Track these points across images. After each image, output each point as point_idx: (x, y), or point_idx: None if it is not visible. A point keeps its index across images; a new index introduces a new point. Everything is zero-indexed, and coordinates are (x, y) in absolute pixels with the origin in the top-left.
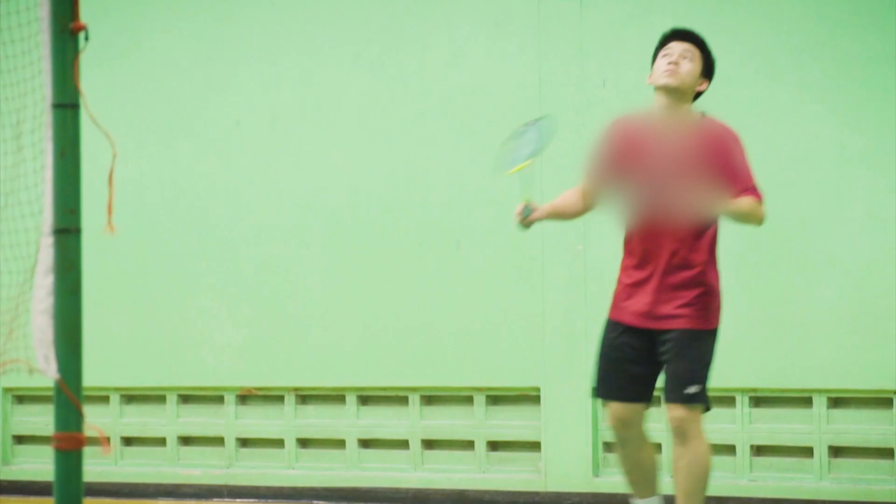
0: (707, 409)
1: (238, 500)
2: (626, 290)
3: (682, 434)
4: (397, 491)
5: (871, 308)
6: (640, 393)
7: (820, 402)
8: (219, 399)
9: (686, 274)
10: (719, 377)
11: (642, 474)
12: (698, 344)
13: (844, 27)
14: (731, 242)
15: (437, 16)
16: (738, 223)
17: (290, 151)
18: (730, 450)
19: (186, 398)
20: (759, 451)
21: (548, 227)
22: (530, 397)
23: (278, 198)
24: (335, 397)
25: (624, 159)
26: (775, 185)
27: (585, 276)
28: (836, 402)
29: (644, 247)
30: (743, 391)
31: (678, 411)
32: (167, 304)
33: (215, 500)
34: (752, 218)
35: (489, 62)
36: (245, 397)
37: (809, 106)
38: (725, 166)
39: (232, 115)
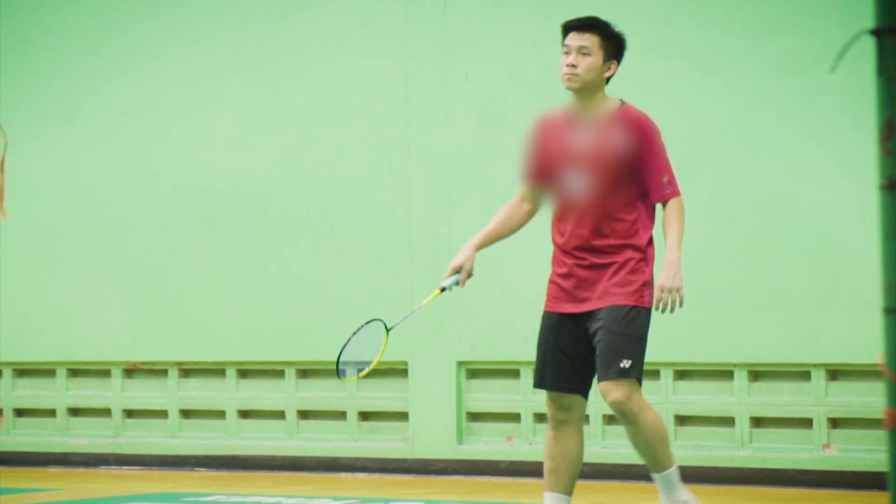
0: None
1: (124, 467)
2: (558, 280)
3: (625, 414)
4: (274, 459)
5: (713, 288)
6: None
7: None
8: (106, 373)
9: (614, 257)
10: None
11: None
12: (628, 320)
13: (688, 29)
14: None
15: (310, 15)
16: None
17: (173, 141)
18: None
19: (75, 372)
20: (610, 420)
21: (414, 211)
22: (398, 370)
23: (162, 184)
24: (216, 371)
25: (549, 155)
26: None
27: (450, 257)
28: (681, 374)
29: (572, 234)
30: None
31: (614, 391)
32: (58, 283)
33: (103, 467)
34: (683, 226)
35: (359, 59)
36: (131, 371)
37: (657, 101)
38: (645, 154)
39: (118, 106)
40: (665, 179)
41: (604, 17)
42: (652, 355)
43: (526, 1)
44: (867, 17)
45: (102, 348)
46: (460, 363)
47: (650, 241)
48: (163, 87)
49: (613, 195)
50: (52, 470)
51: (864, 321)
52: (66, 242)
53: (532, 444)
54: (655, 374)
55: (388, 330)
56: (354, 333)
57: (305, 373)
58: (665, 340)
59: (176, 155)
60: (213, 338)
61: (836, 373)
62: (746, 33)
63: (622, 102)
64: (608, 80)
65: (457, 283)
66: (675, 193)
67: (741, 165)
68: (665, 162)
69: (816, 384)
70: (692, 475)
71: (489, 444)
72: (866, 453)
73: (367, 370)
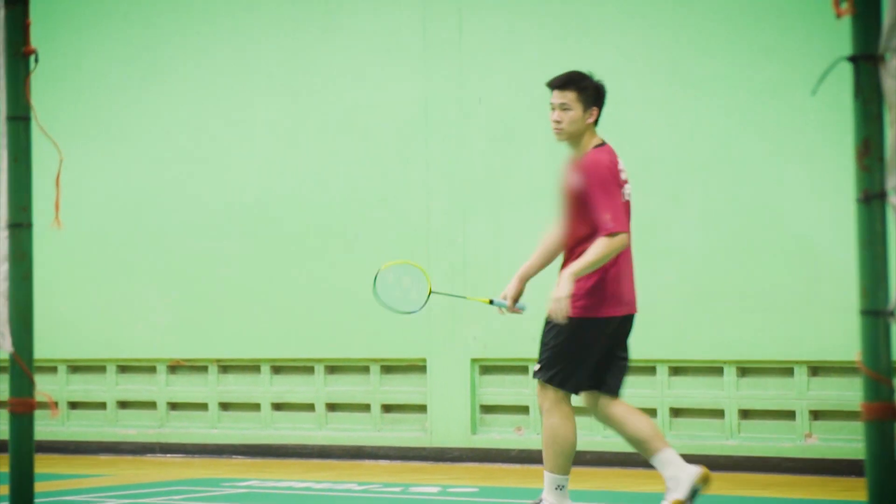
0: (558, 385)
1: (168, 455)
2: None
3: (540, 408)
4: (304, 447)
5: (704, 291)
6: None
7: (662, 371)
8: (152, 369)
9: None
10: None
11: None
12: (550, 330)
13: (683, 53)
14: None
15: (337, 42)
16: (599, 265)
17: (213, 158)
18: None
19: (124, 368)
20: None
21: (432, 221)
22: (418, 367)
23: (202, 197)
24: (252, 367)
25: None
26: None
27: (465, 263)
28: (675, 370)
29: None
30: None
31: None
32: (108, 287)
33: (148, 455)
34: (604, 258)
35: (382, 82)
36: (174, 367)
37: (652, 120)
38: (587, 194)
39: (162, 126)
40: (606, 216)
41: (602, 45)
42: (648, 353)
43: (534, 30)
44: (846, 46)
45: (148, 346)
46: (474, 360)
47: (608, 267)
48: (202, 108)
49: (575, 229)
50: (103, 457)
51: (842, 322)
52: (115, 251)
53: (539, 433)
54: (651, 371)
55: (430, 293)
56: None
57: (333, 369)
58: (660, 339)
59: (214, 170)
60: (249, 337)
61: (817, 369)
62: (736, 59)
63: (596, 146)
64: (596, 122)
65: (504, 306)
66: (607, 230)
67: (730, 179)
68: (600, 200)
69: (799, 380)
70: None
71: (501, 434)
72: (845, 443)
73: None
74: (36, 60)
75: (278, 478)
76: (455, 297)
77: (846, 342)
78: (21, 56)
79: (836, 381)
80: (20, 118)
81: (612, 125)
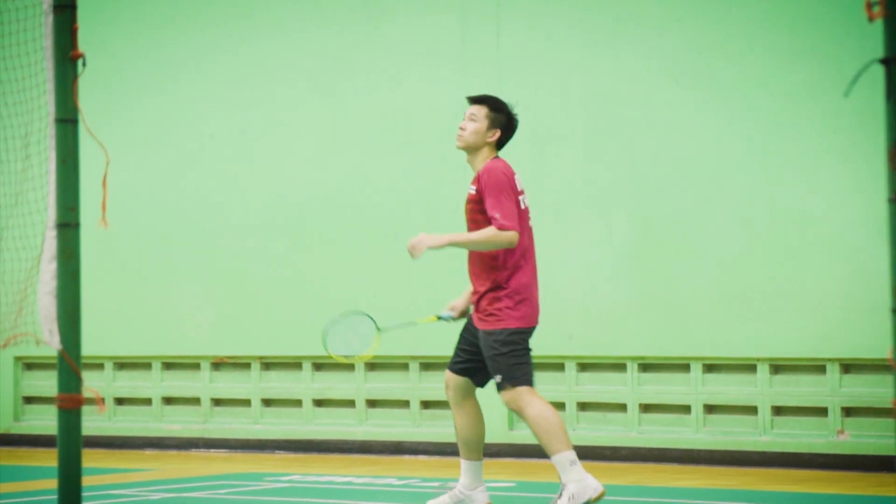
0: (526, 383)
1: (212, 450)
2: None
3: (518, 412)
4: (345, 443)
5: (739, 290)
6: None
7: (696, 368)
8: (196, 366)
9: (481, 288)
10: (614, 347)
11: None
12: (494, 345)
13: (718, 57)
14: (627, 237)
15: (378, 47)
16: (478, 248)
17: (256, 160)
18: (622, 408)
19: (169, 365)
20: (646, 408)
21: None
22: None
23: (246, 198)
24: (293, 364)
25: None
26: (661, 188)
27: None
28: (710, 367)
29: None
30: (633, 359)
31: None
32: (153, 286)
33: (193, 450)
34: (486, 244)
35: (422, 85)
36: (218, 364)
37: (688, 122)
38: (483, 199)
39: (207, 129)
40: (497, 214)
41: (638, 49)
42: (683, 350)
43: (571, 34)
44: (878, 48)
45: (193, 344)
46: None
47: (510, 277)
48: (246, 111)
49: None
50: (148, 452)
51: (874, 320)
52: (160, 250)
53: (575, 429)
54: (686, 368)
55: (378, 330)
56: (344, 317)
57: (374, 366)
58: (694, 337)
59: (258, 172)
60: (291, 335)
61: (849, 367)
62: (770, 62)
63: (495, 158)
64: (498, 144)
65: (450, 318)
66: (497, 224)
67: (764, 180)
68: (493, 202)
69: (831, 377)
70: (720, 458)
71: None
72: (876, 439)
73: (354, 357)
74: (83, 64)
75: (319, 472)
76: (404, 327)
77: (878, 340)
78: (69, 60)
79: (868, 379)
80: (68, 121)
81: (648, 127)
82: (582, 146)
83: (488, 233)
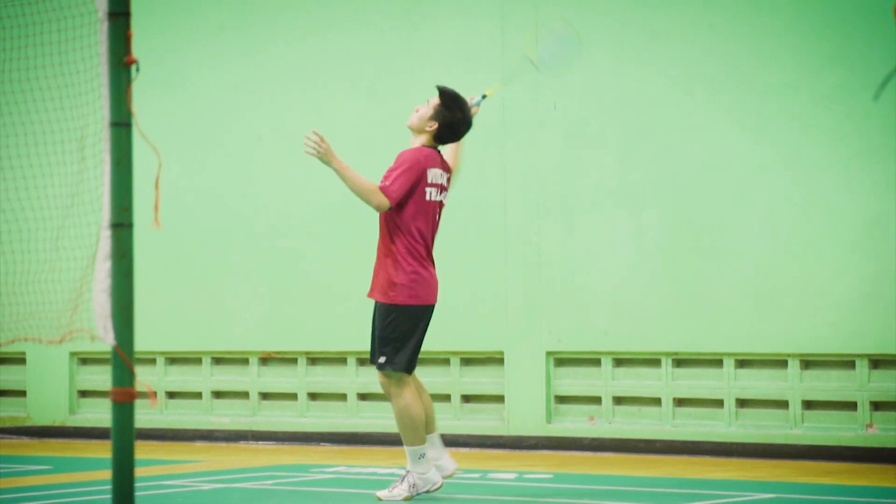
0: (404, 370)
1: (260, 442)
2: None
3: (388, 394)
4: (388, 435)
5: (770, 288)
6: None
7: (728, 363)
8: (244, 361)
9: (380, 258)
10: (649, 342)
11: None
12: (381, 316)
13: (749, 60)
14: (661, 236)
15: (419, 50)
16: (350, 188)
17: (301, 162)
18: (657, 402)
19: (218, 360)
20: (680, 402)
21: (511, 220)
22: (496, 360)
23: (291, 199)
24: (339, 359)
25: None
26: (692, 189)
27: (539, 262)
28: (742, 363)
29: None
30: (667, 354)
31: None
32: (203, 284)
33: (241, 442)
34: (359, 190)
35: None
36: (266, 360)
37: (720, 124)
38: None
39: (254, 132)
40: (387, 182)
41: (672, 52)
42: (715, 346)
43: (607, 38)
44: None
45: (241, 340)
46: (549, 353)
47: (403, 248)
48: (293, 114)
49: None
50: (199, 444)
51: None
52: (210, 249)
53: (611, 423)
54: (718, 363)
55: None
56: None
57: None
58: (727, 333)
59: (304, 173)
60: (336, 331)
61: (878, 362)
62: (800, 66)
63: (423, 144)
64: (434, 134)
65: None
66: (381, 186)
67: (794, 181)
68: (392, 172)
69: (861, 372)
70: (752, 451)
71: (574, 423)
72: None
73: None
74: (137, 70)
75: (364, 464)
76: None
77: None
78: (123, 66)
79: None
80: (122, 124)
81: (681, 130)
82: (616, 149)
83: (367, 184)
